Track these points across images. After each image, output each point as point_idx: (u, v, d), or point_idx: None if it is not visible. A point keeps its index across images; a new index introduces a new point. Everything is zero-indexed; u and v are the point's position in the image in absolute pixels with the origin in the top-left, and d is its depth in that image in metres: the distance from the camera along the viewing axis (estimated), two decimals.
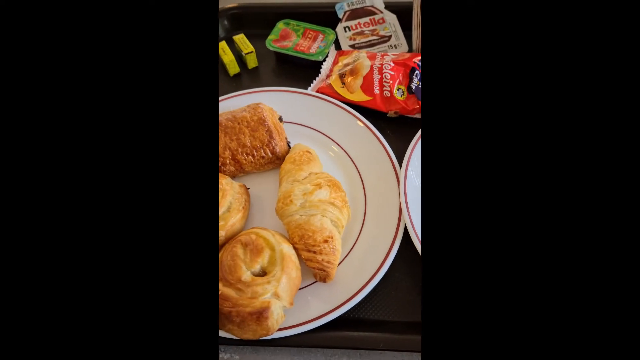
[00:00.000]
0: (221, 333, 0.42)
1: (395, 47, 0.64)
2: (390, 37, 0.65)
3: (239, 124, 0.51)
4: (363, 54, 0.59)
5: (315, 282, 0.45)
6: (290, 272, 0.41)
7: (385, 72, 0.55)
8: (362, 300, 0.45)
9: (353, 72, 0.57)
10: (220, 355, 0.44)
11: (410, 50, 0.63)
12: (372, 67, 0.56)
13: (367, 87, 0.56)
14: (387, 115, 0.57)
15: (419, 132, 0.53)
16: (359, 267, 0.45)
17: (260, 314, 0.38)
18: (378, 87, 0.56)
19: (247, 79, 0.65)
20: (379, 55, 0.58)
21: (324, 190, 0.45)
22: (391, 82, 0.55)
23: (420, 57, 0.56)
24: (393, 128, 0.57)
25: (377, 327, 0.44)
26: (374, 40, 0.64)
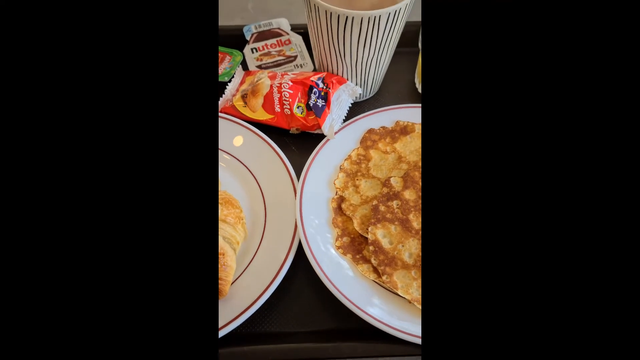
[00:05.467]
0: None
1: (301, 67, 0.66)
2: (296, 57, 0.67)
3: None
4: (265, 73, 0.60)
5: None
6: None
7: (284, 91, 0.57)
8: (260, 314, 0.46)
9: (254, 92, 0.58)
10: None
11: (314, 69, 0.66)
12: (271, 86, 0.58)
13: (268, 105, 0.58)
14: (290, 132, 0.59)
15: (317, 147, 0.55)
16: (254, 281, 0.46)
17: None
18: (279, 106, 0.57)
19: None
20: (279, 74, 0.60)
21: None
22: (290, 100, 0.57)
23: (318, 76, 0.58)
24: (297, 144, 0.59)
25: (275, 339, 0.45)
26: (280, 60, 0.67)
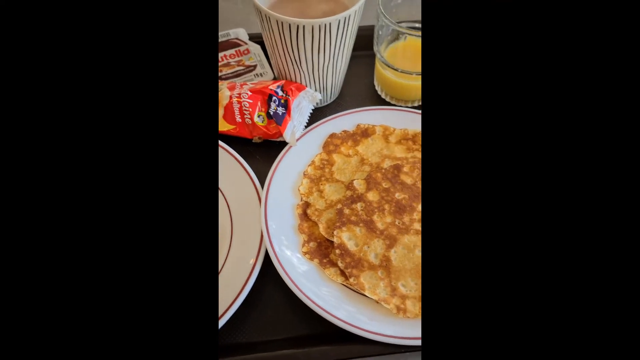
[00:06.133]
0: None
1: (261, 75, 0.67)
2: (255, 66, 0.67)
3: None
4: (224, 84, 0.61)
5: None
6: None
7: (243, 101, 0.57)
8: (232, 325, 0.46)
9: None
10: None
11: (274, 77, 0.66)
12: (231, 97, 0.58)
13: (229, 116, 0.58)
14: (253, 141, 0.59)
15: (280, 154, 0.55)
16: (224, 292, 0.46)
17: None
18: (239, 116, 0.58)
19: None
20: (239, 85, 0.60)
21: None
22: (250, 109, 0.57)
23: (277, 84, 0.59)
24: (261, 152, 0.59)
25: (247, 349, 0.45)
26: (240, 70, 0.67)
